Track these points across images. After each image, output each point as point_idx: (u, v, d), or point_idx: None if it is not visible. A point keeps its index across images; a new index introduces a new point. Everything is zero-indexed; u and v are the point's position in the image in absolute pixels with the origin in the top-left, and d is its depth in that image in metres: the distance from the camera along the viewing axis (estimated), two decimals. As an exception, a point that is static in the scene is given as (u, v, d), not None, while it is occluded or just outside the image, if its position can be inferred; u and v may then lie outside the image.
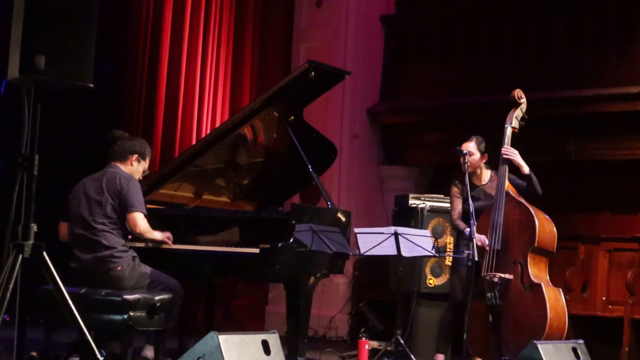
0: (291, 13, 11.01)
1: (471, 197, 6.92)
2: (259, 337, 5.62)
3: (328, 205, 6.71)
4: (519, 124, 7.10)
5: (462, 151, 7.03)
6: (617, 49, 9.24)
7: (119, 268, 5.92)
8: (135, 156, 6.25)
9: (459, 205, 7.14)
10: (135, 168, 6.25)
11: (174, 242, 6.44)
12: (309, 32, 10.86)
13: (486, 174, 7.23)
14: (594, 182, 9.67)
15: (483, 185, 7.19)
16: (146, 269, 6.05)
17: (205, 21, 10.22)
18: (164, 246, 6.39)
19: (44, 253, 4.36)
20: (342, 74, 7.38)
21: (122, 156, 6.24)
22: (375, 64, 10.83)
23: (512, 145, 7.03)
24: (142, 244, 6.39)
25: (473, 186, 7.11)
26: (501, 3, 10.15)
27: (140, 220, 6.05)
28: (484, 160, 7.18)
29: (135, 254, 6.05)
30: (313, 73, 6.71)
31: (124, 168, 6.20)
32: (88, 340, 4.41)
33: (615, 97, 9.03)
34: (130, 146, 6.27)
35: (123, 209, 6.03)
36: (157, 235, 6.29)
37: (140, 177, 6.33)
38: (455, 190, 7.19)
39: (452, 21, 10.52)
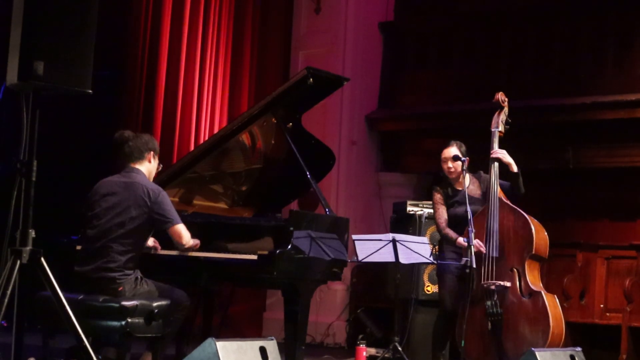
0: (290, 19, 11.03)
1: (455, 202, 6.91)
2: (256, 344, 5.62)
3: (326, 211, 6.70)
4: (505, 127, 7.10)
5: (461, 158, 6.99)
6: (615, 57, 9.26)
7: (120, 289, 5.81)
8: (152, 153, 6.10)
9: (444, 213, 7.04)
10: (153, 165, 6.13)
11: (172, 249, 6.42)
12: (308, 38, 10.88)
13: (467, 178, 7.15)
14: (592, 189, 9.68)
15: (466, 189, 7.14)
16: (149, 285, 5.96)
17: (204, 28, 10.22)
18: (162, 252, 6.38)
19: (42, 259, 4.35)
20: (340, 80, 7.38)
21: (139, 155, 6.07)
22: (373, 71, 10.84)
23: (501, 147, 7.02)
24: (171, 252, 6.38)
25: (455, 191, 7.08)
26: (499, 11, 10.16)
27: (184, 232, 5.96)
28: (465, 164, 7.12)
29: (139, 275, 5.95)
30: (311, 79, 6.71)
31: (143, 167, 6.06)
32: (85, 346, 4.40)
33: (614, 104, 9.04)
34: (144, 143, 6.10)
35: (158, 225, 5.92)
36: (193, 242, 6.23)
37: (157, 172, 6.26)
38: (438, 197, 7.10)
39: (451, 28, 10.54)
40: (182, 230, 5.97)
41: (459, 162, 6.99)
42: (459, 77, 10.29)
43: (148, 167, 6.11)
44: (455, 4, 10.75)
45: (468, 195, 6.95)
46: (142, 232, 5.95)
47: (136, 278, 5.91)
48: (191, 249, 6.21)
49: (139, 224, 5.90)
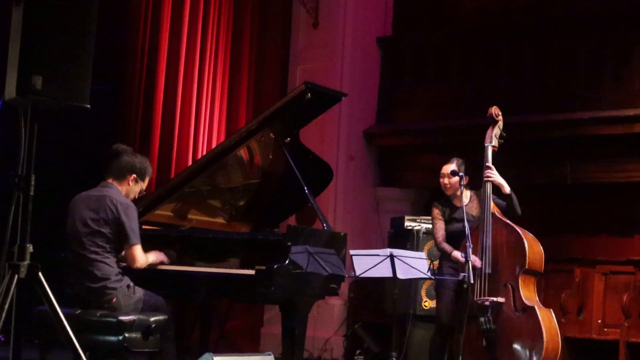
0: (288, 34, 11.04)
1: (453, 219, 6.90)
2: (254, 359, 5.62)
3: (324, 226, 6.70)
4: (498, 141, 7.10)
5: (459, 174, 6.98)
6: (613, 72, 9.27)
7: (114, 300, 5.83)
8: (133, 176, 6.07)
9: (442, 227, 7.03)
10: (132, 188, 6.09)
11: (170, 264, 6.42)
12: (306, 53, 10.89)
13: (466, 195, 7.15)
14: (589, 204, 9.67)
15: (464, 206, 7.13)
16: (139, 293, 5.98)
17: (202, 42, 10.23)
18: (160, 267, 6.38)
19: (40, 273, 4.35)
20: (338, 95, 7.39)
21: (120, 174, 6.06)
22: (371, 86, 10.85)
23: (494, 163, 7.00)
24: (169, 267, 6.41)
25: (454, 208, 7.07)
26: (497, 26, 10.18)
27: (138, 255, 5.97)
28: (464, 181, 7.10)
29: (129, 282, 5.97)
30: (309, 94, 6.72)
31: (120, 187, 6.05)
32: (83, 361, 4.40)
33: (611, 119, 9.05)
34: (129, 164, 6.07)
35: (122, 239, 5.95)
36: (151, 258, 6.25)
37: (136, 197, 6.23)
38: (436, 212, 7.09)
39: (449, 43, 10.55)
40: (137, 254, 5.99)
41: (456, 179, 6.98)
42: (456, 92, 10.30)
43: (126, 188, 6.11)
44: (453, 19, 10.77)
45: (466, 212, 6.95)
46: (117, 242, 5.97)
47: (128, 286, 5.94)
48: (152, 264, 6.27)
49: (112, 233, 5.92)
